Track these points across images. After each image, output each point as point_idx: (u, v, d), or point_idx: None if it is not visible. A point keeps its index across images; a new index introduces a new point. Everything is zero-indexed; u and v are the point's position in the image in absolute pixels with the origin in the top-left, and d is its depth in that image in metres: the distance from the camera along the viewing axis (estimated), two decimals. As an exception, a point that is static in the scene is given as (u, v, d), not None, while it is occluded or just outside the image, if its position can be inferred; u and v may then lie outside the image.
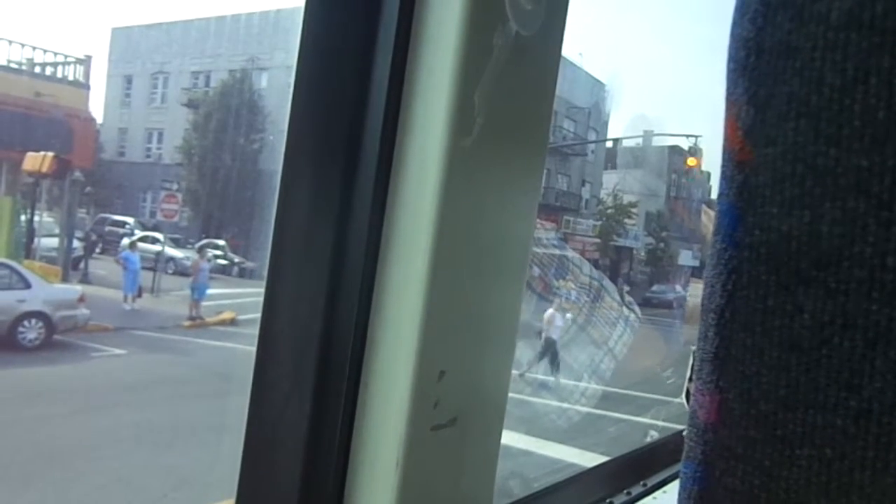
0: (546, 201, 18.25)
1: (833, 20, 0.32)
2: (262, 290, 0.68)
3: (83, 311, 7.93)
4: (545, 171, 0.82)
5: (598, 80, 20.02)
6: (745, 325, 0.35)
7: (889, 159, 0.31)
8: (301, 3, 0.65)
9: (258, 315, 0.68)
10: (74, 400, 6.20)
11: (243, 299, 10.13)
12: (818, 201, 0.32)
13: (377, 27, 0.66)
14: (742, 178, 0.35)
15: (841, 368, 0.32)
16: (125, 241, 11.56)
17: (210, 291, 10.18)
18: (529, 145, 0.76)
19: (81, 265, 10.68)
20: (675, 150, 20.91)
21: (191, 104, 16.38)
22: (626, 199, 21.57)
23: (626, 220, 21.53)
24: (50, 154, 9.75)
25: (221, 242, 13.80)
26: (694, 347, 0.39)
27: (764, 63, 0.34)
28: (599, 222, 21.24)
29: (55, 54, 12.02)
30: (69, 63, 12.24)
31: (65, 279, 9.54)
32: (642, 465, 1.30)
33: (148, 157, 17.54)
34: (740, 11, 0.35)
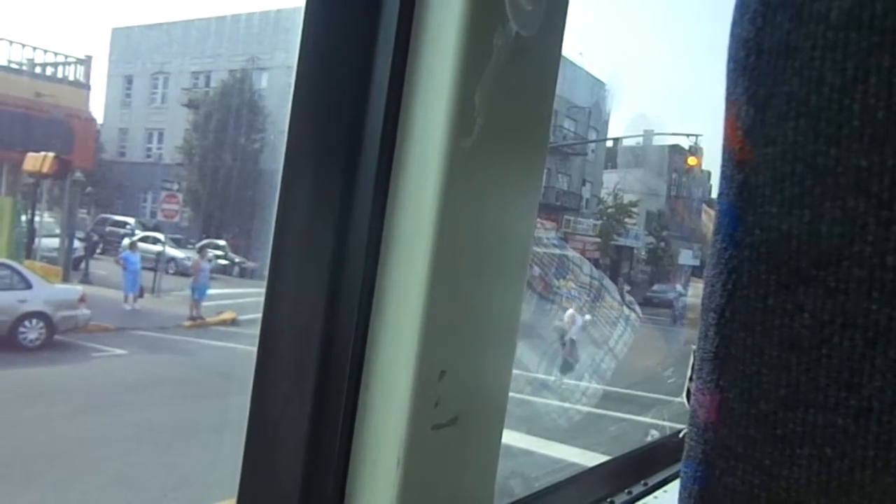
0: (546, 201, 18.25)
1: (833, 20, 0.32)
2: (262, 290, 0.68)
3: (84, 312, 7.93)
4: (545, 171, 0.82)
5: (599, 80, 20.03)
6: (746, 325, 0.35)
7: (888, 159, 0.31)
8: (301, 4, 0.65)
9: (259, 315, 0.68)
10: (75, 400, 6.21)
11: (244, 299, 10.13)
12: (818, 201, 0.32)
13: (377, 27, 0.66)
14: (742, 178, 0.35)
15: (841, 367, 0.32)
16: (126, 241, 11.56)
17: (211, 291, 10.18)
18: (530, 145, 0.76)
19: (82, 265, 10.69)
20: (675, 149, 20.91)
21: (191, 104, 16.39)
22: (627, 198, 21.57)
23: (627, 220, 21.53)
24: (50, 154, 9.76)
25: (222, 242, 13.81)
26: (694, 347, 0.39)
27: (764, 63, 0.34)
28: (600, 222, 21.24)
29: (55, 54, 12.03)
30: (69, 63, 12.24)
31: (65, 279, 9.54)
32: (643, 464, 1.30)
33: (148, 157, 17.54)
34: (740, 11, 0.35)
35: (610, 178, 22.02)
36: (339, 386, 0.67)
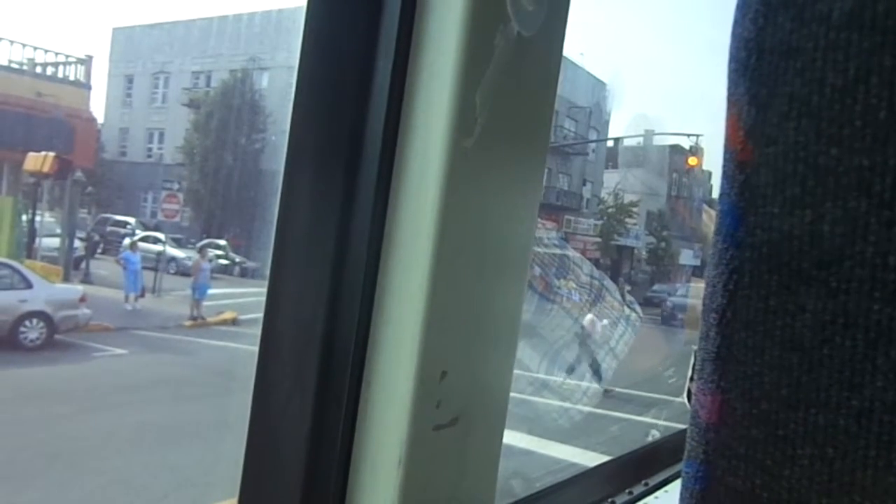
0: (547, 201, 18.25)
1: (834, 20, 0.32)
2: (263, 290, 0.68)
3: (84, 311, 7.94)
4: (546, 171, 0.82)
5: (600, 80, 20.04)
6: (747, 325, 0.35)
7: (890, 159, 0.31)
8: (302, 4, 0.65)
9: (259, 315, 0.68)
10: (76, 399, 6.21)
11: (244, 299, 10.14)
12: (819, 201, 0.32)
13: (379, 27, 0.66)
14: (743, 178, 0.35)
15: (842, 368, 0.32)
16: (126, 241, 11.57)
17: (211, 291, 10.19)
18: (531, 145, 0.76)
19: (83, 265, 10.70)
20: (676, 149, 20.91)
21: (192, 104, 16.40)
22: (627, 198, 21.57)
23: (628, 220, 21.53)
24: (51, 154, 9.77)
25: (223, 242, 13.81)
26: (695, 347, 0.39)
27: (765, 63, 0.34)
28: (600, 222, 21.24)
29: (56, 54, 12.05)
30: (70, 63, 12.26)
31: (66, 279, 9.55)
32: (644, 464, 1.30)
33: (149, 156, 17.57)
34: (741, 11, 0.35)
35: (610, 178, 22.03)
36: (341, 386, 0.67)
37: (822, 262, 0.32)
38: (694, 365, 0.40)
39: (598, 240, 20.53)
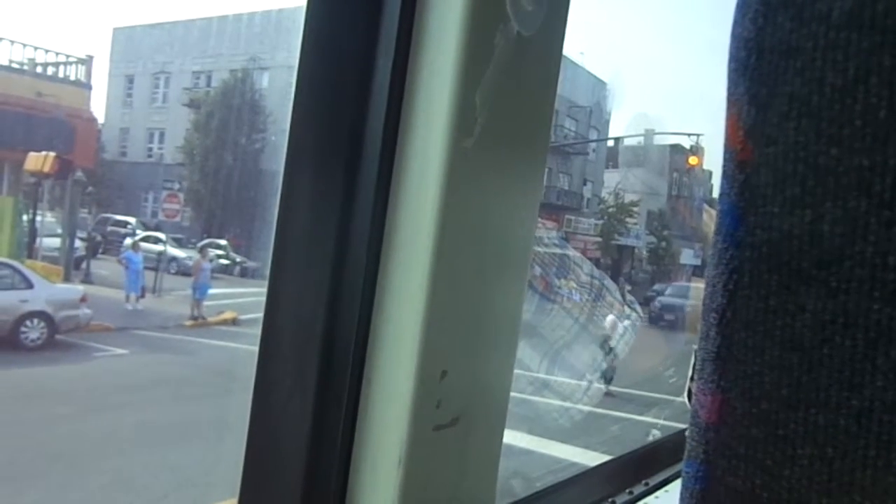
0: (547, 200, 18.23)
1: (834, 20, 0.32)
2: (263, 290, 0.68)
3: (85, 311, 7.94)
4: (546, 170, 0.82)
5: (600, 79, 20.04)
6: (747, 325, 0.35)
7: (890, 159, 0.31)
8: (302, 3, 0.65)
9: (260, 315, 0.68)
10: (76, 399, 6.21)
11: (245, 299, 10.14)
12: (819, 201, 0.32)
13: (379, 27, 0.66)
14: (743, 178, 0.35)
15: (842, 367, 0.32)
16: (128, 241, 11.57)
17: (212, 291, 10.19)
18: (531, 145, 0.76)
19: (83, 265, 10.70)
20: (676, 148, 20.90)
21: (192, 104, 16.40)
22: (628, 197, 21.56)
23: (628, 219, 21.52)
24: (52, 154, 9.78)
25: (223, 242, 13.80)
26: (695, 347, 0.39)
27: (765, 63, 0.34)
28: (601, 221, 21.23)
29: (57, 54, 12.05)
30: (71, 63, 12.27)
31: (67, 279, 9.55)
32: (644, 464, 1.30)
33: (149, 156, 17.57)
34: (741, 11, 0.35)
35: (611, 178, 22.02)
36: (341, 386, 0.67)
37: (822, 261, 0.32)
38: (694, 365, 0.40)
39: (599, 239, 20.52)
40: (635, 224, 21.68)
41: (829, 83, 0.32)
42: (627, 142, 21.77)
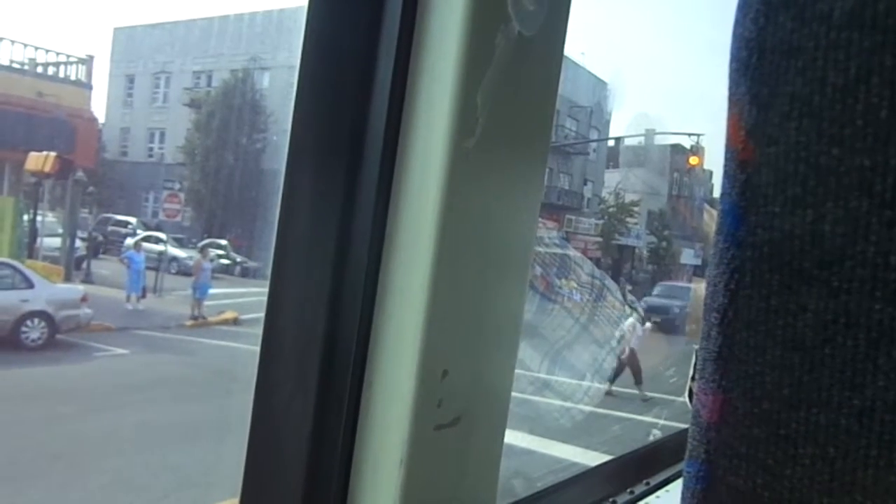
0: (548, 200, 18.22)
1: (835, 19, 0.32)
2: (264, 290, 0.68)
3: (86, 311, 7.95)
4: (547, 170, 0.82)
5: (601, 79, 20.03)
6: (748, 325, 0.35)
7: (892, 158, 0.31)
8: (304, 3, 0.65)
9: (260, 315, 0.68)
10: (77, 399, 6.21)
11: (246, 299, 10.14)
12: (821, 200, 0.32)
13: (380, 27, 0.66)
14: (745, 178, 0.35)
15: (844, 367, 0.32)
16: (129, 240, 11.58)
17: (212, 291, 10.19)
18: (532, 145, 0.76)
19: (84, 265, 10.70)
20: (677, 148, 20.90)
21: (193, 104, 16.40)
22: (628, 197, 21.55)
23: (629, 219, 21.51)
24: (52, 154, 9.78)
25: (224, 242, 13.80)
26: (697, 346, 0.39)
27: (766, 63, 0.34)
28: (601, 221, 21.22)
29: (57, 54, 12.05)
30: (71, 63, 12.27)
31: (67, 279, 9.55)
32: (645, 463, 1.30)
33: (150, 156, 17.56)
34: (742, 11, 0.35)
35: (611, 178, 22.01)
36: (342, 386, 0.67)
37: (824, 261, 0.32)
38: (695, 364, 0.40)
39: (600, 239, 20.51)
40: (636, 224, 21.67)
41: (831, 83, 0.32)
42: (628, 142, 21.79)
